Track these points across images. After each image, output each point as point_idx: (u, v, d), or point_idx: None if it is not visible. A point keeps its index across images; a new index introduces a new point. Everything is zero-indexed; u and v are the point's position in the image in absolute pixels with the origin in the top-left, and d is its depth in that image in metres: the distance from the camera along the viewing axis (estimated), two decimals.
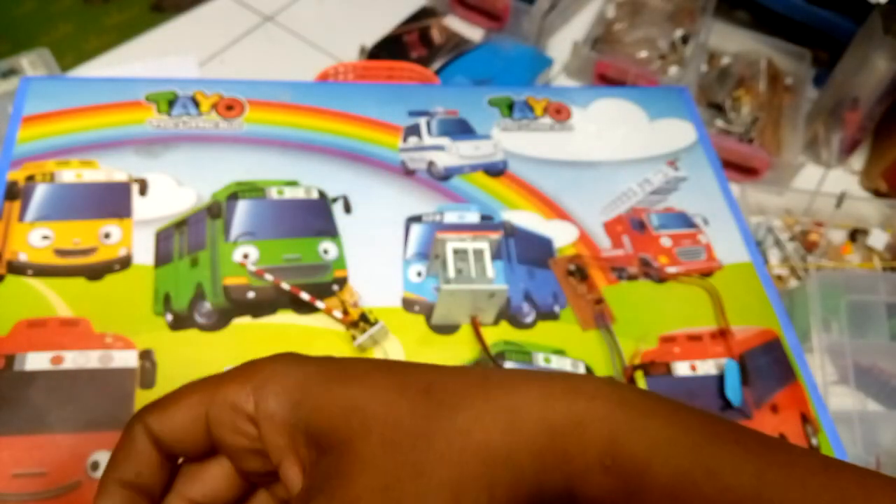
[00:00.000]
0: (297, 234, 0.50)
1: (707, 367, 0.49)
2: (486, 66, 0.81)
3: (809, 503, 0.19)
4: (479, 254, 0.50)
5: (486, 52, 0.83)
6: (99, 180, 0.51)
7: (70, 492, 0.39)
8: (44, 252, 0.47)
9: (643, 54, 0.84)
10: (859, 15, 0.79)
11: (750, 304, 0.52)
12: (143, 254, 0.48)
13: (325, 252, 0.50)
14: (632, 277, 0.53)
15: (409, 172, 0.56)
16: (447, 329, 0.48)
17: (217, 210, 0.51)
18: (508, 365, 0.47)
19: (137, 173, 0.52)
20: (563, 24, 0.91)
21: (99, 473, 0.39)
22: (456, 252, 0.49)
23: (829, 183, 0.80)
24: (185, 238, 0.49)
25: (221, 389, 0.24)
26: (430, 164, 0.56)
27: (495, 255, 0.51)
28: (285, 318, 0.47)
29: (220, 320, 0.46)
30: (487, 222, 0.53)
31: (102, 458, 0.39)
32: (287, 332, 0.46)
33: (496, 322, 0.49)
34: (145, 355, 0.44)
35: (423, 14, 0.89)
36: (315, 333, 0.46)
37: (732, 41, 0.88)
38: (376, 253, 0.51)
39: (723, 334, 0.50)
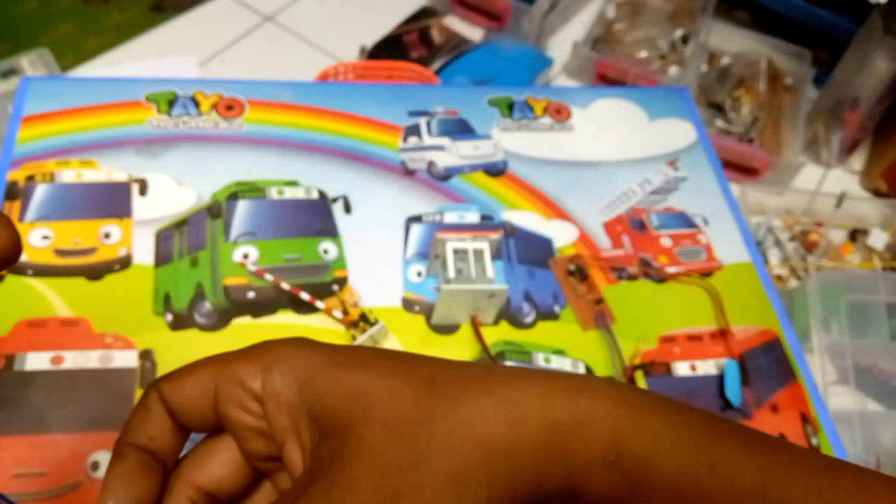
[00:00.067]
0: (297, 234, 0.50)
1: (707, 367, 0.49)
2: (486, 66, 0.81)
3: (812, 501, 0.19)
4: (479, 254, 0.50)
5: (486, 52, 0.83)
6: (99, 180, 0.51)
7: (70, 492, 0.39)
8: (44, 252, 0.47)
9: (643, 54, 0.84)
10: (859, 15, 0.79)
11: (750, 304, 0.52)
12: (143, 254, 0.48)
13: (325, 252, 0.50)
14: (632, 277, 0.53)
15: (409, 172, 0.56)
16: (447, 329, 0.48)
17: (217, 210, 0.51)
18: (508, 365, 0.47)
19: (137, 173, 0.52)
20: (563, 24, 0.91)
21: (99, 473, 0.39)
22: (456, 252, 0.49)
23: (829, 183, 0.80)
24: (185, 238, 0.49)
25: (231, 365, 0.24)
26: (430, 164, 0.56)
27: (495, 255, 0.51)
28: (285, 318, 0.47)
29: (220, 320, 0.46)
30: (487, 222, 0.53)
31: (102, 458, 0.39)
32: (287, 332, 0.46)
33: (496, 322, 0.49)
34: (145, 355, 0.44)
35: (423, 14, 0.88)
36: (315, 333, 0.46)
37: (732, 41, 0.88)
38: (376, 253, 0.51)
39: (723, 334, 0.50)
